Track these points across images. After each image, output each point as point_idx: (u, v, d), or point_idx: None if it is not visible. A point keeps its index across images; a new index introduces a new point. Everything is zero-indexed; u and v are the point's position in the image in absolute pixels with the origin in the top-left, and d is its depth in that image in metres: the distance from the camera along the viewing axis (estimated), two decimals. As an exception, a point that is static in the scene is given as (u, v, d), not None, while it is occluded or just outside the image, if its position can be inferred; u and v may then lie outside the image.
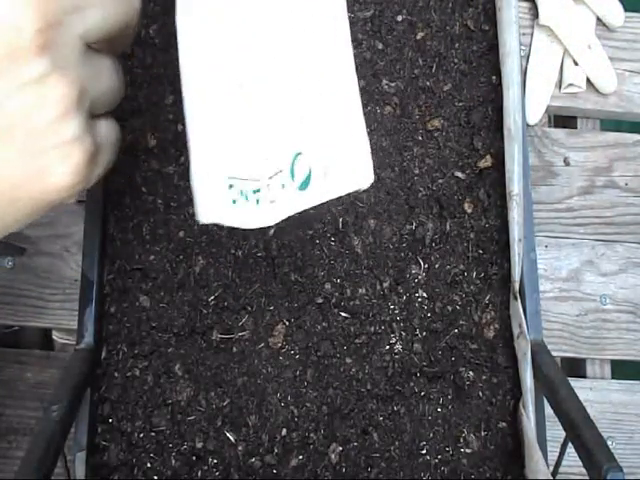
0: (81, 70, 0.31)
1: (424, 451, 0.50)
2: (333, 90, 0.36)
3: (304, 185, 0.36)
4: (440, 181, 0.54)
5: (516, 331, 0.51)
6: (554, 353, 0.60)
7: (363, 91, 0.55)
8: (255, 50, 0.37)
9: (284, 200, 0.36)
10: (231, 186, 0.36)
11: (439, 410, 0.51)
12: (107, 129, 0.36)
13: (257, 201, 0.36)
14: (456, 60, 0.57)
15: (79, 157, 0.31)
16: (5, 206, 0.31)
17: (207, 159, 0.36)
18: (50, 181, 0.31)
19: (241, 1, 0.36)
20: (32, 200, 0.32)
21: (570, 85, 0.67)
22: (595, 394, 0.62)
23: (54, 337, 0.59)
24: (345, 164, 0.36)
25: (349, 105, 0.37)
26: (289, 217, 0.35)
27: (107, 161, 0.36)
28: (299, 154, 0.36)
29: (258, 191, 0.36)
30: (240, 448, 0.48)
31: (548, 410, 0.47)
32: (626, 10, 0.68)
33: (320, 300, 0.51)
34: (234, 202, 0.36)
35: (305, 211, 0.53)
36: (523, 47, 0.66)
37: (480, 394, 0.51)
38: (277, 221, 0.37)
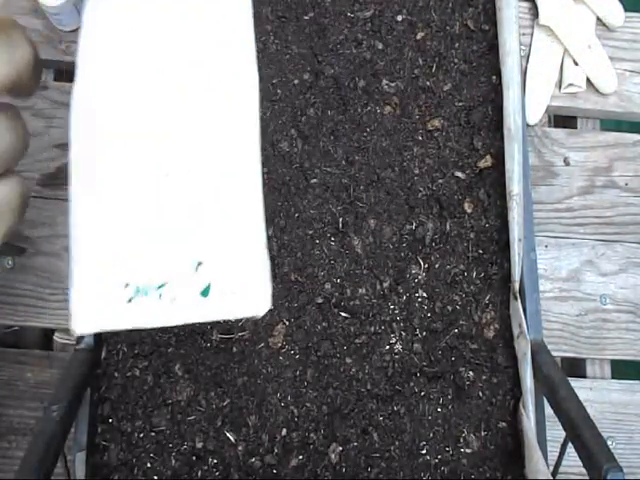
0: None
1: (424, 451, 0.50)
2: (237, 204, 0.35)
3: (205, 293, 0.34)
4: (440, 181, 0.54)
5: (516, 331, 0.51)
6: (554, 353, 0.60)
7: (363, 91, 0.55)
8: (158, 144, 0.35)
9: (185, 303, 0.34)
10: (127, 285, 0.34)
11: (439, 410, 0.51)
12: (4, 190, 0.34)
13: (160, 295, 0.34)
14: (456, 60, 0.57)
15: None
16: None
17: (96, 256, 0.34)
18: None
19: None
20: None
21: (570, 85, 0.67)
22: (595, 394, 0.62)
23: (55, 338, 0.59)
24: (243, 286, 0.35)
25: (251, 225, 0.36)
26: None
27: (8, 225, 0.34)
28: (200, 263, 0.34)
29: (162, 286, 0.34)
30: (240, 448, 0.48)
31: (548, 410, 0.47)
32: (626, 10, 0.68)
33: (320, 300, 0.51)
34: (129, 300, 0.34)
35: (306, 210, 0.53)
36: (523, 47, 0.66)
37: (480, 394, 0.51)
38: (175, 324, 0.35)
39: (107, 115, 0.34)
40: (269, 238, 0.52)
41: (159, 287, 0.34)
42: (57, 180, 0.59)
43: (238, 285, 0.35)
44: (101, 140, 0.34)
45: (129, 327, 0.34)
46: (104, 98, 0.34)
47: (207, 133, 0.35)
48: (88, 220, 0.34)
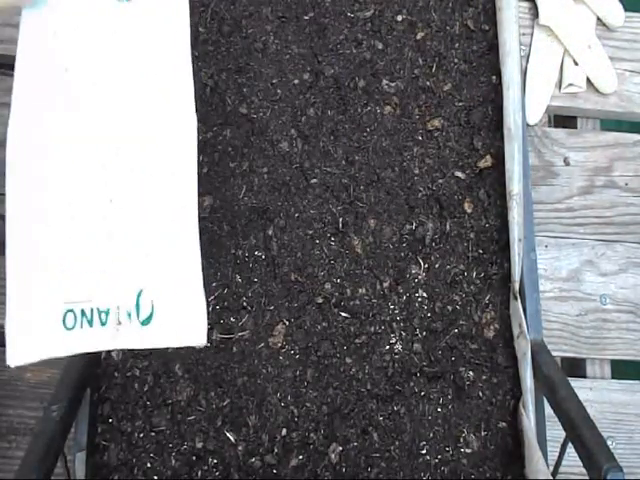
0: None
1: (424, 451, 0.50)
2: (176, 232, 0.36)
3: (147, 321, 0.35)
4: (440, 181, 0.54)
5: (516, 331, 0.51)
6: (554, 353, 0.60)
7: (363, 91, 0.55)
8: (101, 166, 0.35)
9: (127, 331, 0.35)
10: (70, 310, 0.34)
11: (439, 410, 0.51)
12: None
13: (102, 323, 0.35)
14: (456, 60, 0.57)
15: None
16: None
17: (37, 284, 0.34)
18: None
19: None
20: None
21: (570, 85, 0.67)
22: (595, 394, 0.61)
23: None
24: (181, 317, 0.36)
25: (188, 257, 0.36)
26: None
27: None
28: (142, 290, 0.35)
29: (107, 313, 0.35)
30: (240, 448, 0.48)
31: (548, 410, 0.47)
32: (626, 10, 0.68)
33: (320, 300, 0.51)
34: (71, 328, 0.34)
35: (306, 210, 0.53)
36: (523, 47, 0.66)
37: (480, 394, 0.51)
38: (118, 348, 0.36)
39: (44, 146, 0.35)
40: (269, 238, 0.52)
41: (101, 313, 0.35)
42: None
43: (176, 316, 0.35)
44: (41, 166, 0.35)
45: (68, 354, 0.34)
46: (39, 131, 0.35)
47: (145, 153, 0.36)
48: (25, 243, 0.34)
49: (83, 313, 0.35)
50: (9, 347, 0.34)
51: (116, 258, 0.35)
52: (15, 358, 0.34)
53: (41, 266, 0.34)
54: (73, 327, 0.34)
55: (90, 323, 0.35)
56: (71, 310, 0.34)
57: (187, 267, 0.36)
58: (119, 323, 0.35)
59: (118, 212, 0.35)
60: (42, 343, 0.34)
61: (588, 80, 0.67)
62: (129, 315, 0.35)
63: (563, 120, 0.72)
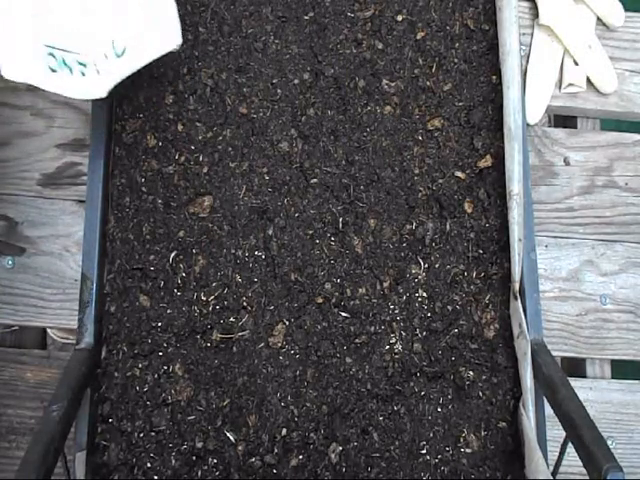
0: None
1: (424, 451, 0.50)
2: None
3: (122, 53, 0.39)
4: (440, 181, 0.54)
5: (516, 331, 0.51)
6: (554, 353, 0.60)
7: (363, 91, 0.55)
8: None
9: (108, 69, 0.39)
10: (51, 54, 0.38)
11: (439, 410, 0.51)
12: None
13: (82, 73, 0.38)
14: (456, 60, 0.57)
15: None
16: None
17: (20, 19, 0.37)
18: None
19: None
20: None
21: (570, 85, 0.67)
22: (595, 394, 0.61)
23: (51, 334, 0.59)
24: (155, 31, 0.40)
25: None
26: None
27: None
28: (115, 40, 0.39)
29: (84, 65, 0.38)
30: (240, 448, 0.48)
31: (548, 410, 0.47)
32: (626, 10, 0.68)
33: (320, 300, 0.51)
34: (53, 70, 0.38)
35: (306, 210, 0.53)
36: (523, 47, 0.66)
37: (480, 394, 0.51)
38: (106, 92, 0.39)
39: None
40: (269, 238, 0.52)
41: (80, 64, 0.39)
42: (57, 180, 0.59)
43: (150, 33, 0.40)
44: None
45: (51, 90, 0.38)
46: None
47: None
48: None
49: (64, 62, 0.38)
50: (2, 63, 0.38)
51: (88, 12, 0.38)
52: (9, 73, 0.38)
53: (21, 10, 0.38)
54: (55, 71, 0.38)
55: (71, 71, 0.38)
56: (52, 54, 0.38)
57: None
58: (98, 73, 0.39)
59: None
60: (32, 73, 0.38)
61: (588, 80, 0.67)
62: (105, 56, 0.39)
63: (563, 120, 0.72)
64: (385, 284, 0.52)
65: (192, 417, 0.49)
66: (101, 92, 0.39)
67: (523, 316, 0.50)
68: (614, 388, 0.62)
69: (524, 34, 0.67)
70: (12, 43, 0.37)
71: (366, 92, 0.55)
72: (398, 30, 0.57)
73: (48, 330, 0.60)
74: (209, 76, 0.54)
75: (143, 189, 0.52)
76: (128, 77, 0.41)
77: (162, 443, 0.48)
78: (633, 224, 0.65)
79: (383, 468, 0.49)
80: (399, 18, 0.57)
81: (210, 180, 0.53)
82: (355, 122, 0.55)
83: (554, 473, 0.46)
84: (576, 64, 0.67)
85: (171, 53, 0.41)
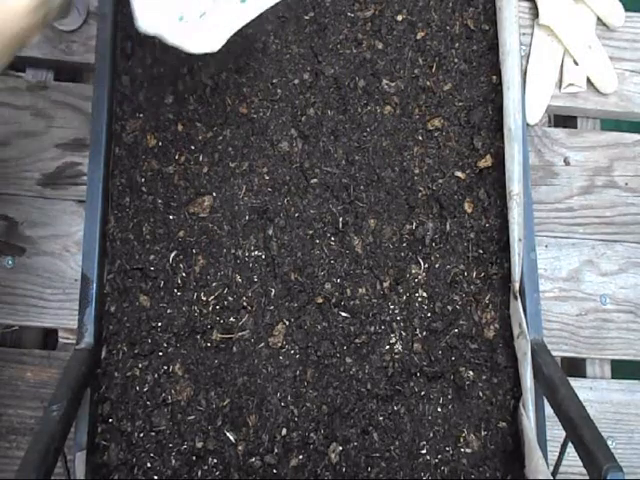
0: None
1: (424, 451, 0.50)
2: None
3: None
4: (440, 181, 0.54)
5: (516, 331, 0.51)
6: (554, 353, 0.60)
7: (363, 91, 0.55)
8: None
9: (227, 19, 0.40)
10: (179, 3, 0.39)
11: (439, 410, 0.51)
12: None
13: (203, 20, 0.40)
14: (456, 60, 0.57)
15: None
16: None
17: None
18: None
19: None
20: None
21: (570, 85, 0.67)
22: (595, 394, 0.61)
23: (60, 338, 0.59)
24: None
25: None
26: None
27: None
28: None
29: (203, 14, 0.40)
30: (240, 448, 0.48)
31: (548, 410, 0.47)
32: (626, 10, 0.68)
33: (320, 300, 0.51)
34: (181, 19, 0.39)
35: (306, 210, 0.53)
36: (523, 47, 0.66)
37: (480, 394, 0.51)
38: (222, 44, 0.41)
39: None
40: (269, 238, 0.52)
41: (201, 16, 0.41)
42: (58, 180, 0.59)
43: None
44: None
45: (178, 45, 0.40)
46: None
47: None
48: None
49: (188, 10, 0.40)
50: (138, 14, 0.39)
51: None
52: (143, 25, 0.39)
53: None
54: (182, 19, 0.40)
55: (196, 19, 0.41)
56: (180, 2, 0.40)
57: None
58: (218, 19, 0.41)
59: None
60: (162, 23, 0.39)
61: (588, 80, 0.67)
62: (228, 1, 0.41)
63: (563, 120, 0.72)
64: (385, 284, 0.52)
65: (192, 417, 0.49)
66: (216, 45, 0.41)
67: (523, 316, 0.50)
68: (614, 388, 0.62)
69: (524, 34, 0.67)
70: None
71: (366, 92, 0.55)
72: (398, 30, 0.57)
73: (59, 332, 0.60)
74: (209, 76, 0.54)
75: (143, 189, 0.52)
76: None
77: (162, 443, 0.48)
78: (633, 224, 0.65)
79: (383, 468, 0.49)
80: (399, 18, 0.57)
81: (210, 180, 0.53)
82: (355, 122, 0.55)
83: (554, 473, 0.46)
84: (576, 64, 0.67)
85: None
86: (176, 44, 0.40)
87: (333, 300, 0.51)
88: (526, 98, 0.64)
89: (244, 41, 0.55)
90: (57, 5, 0.40)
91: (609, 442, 0.60)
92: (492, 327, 0.52)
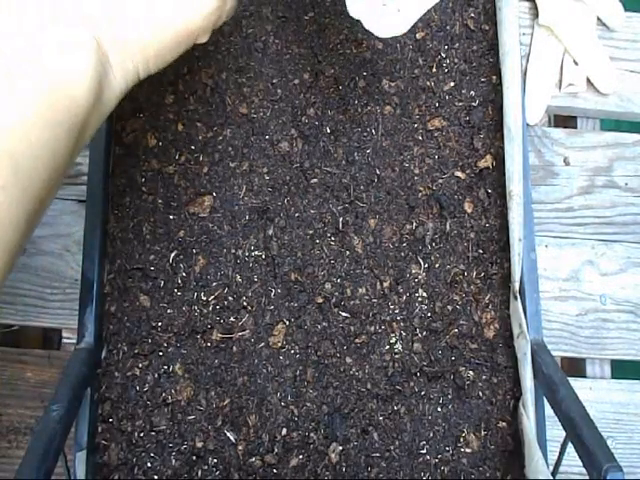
0: None
1: (424, 451, 0.50)
2: None
3: None
4: (440, 181, 0.54)
5: (516, 331, 0.51)
6: (554, 353, 0.60)
7: (363, 91, 0.55)
8: None
9: (409, 5, 0.42)
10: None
11: (439, 410, 0.51)
12: None
13: (398, 10, 0.42)
14: (456, 60, 0.57)
15: None
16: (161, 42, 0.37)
17: None
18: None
19: None
20: (178, 31, 0.37)
21: (570, 85, 0.67)
22: (595, 394, 0.61)
23: (65, 339, 0.59)
24: None
25: None
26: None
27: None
28: None
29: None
30: (240, 448, 0.48)
31: (548, 410, 0.47)
32: (626, 10, 0.68)
33: (320, 300, 0.51)
34: (384, 4, 0.42)
35: (306, 210, 0.53)
36: (523, 47, 0.66)
37: (480, 394, 0.51)
38: (408, 27, 0.43)
39: None
40: (269, 238, 0.52)
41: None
42: (57, 180, 0.59)
43: None
44: None
45: (373, 31, 0.43)
46: None
47: None
48: None
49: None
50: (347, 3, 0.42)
51: None
52: (352, 10, 0.42)
53: None
54: (385, 5, 0.43)
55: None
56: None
57: None
58: (399, 6, 0.43)
59: None
60: (363, 6, 0.43)
61: (588, 80, 0.67)
62: None
63: (563, 120, 0.72)
64: (385, 284, 0.52)
65: (192, 417, 0.49)
66: (402, 29, 0.43)
67: (523, 316, 0.50)
68: (614, 388, 0.62)
69: (524, 34, 0.67)
70: None
71: (366, 92, 0.55)
72: (398, 30, 0.57)
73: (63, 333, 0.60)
74: (209, 76, 0.54)
75: (143, 189, 0.52)
76: None
77: (162, 443, 0.48)
78: (633, 224, 0.65)
79: (383, 468, 0.49)
80: (399, 18, 0.57)
81: (210, 180, 0.53)
82: (355, 122, 0.55)
83: (554, 473, 0.46)
84: (576, 64, 0.67)
85: None
86: (370, 29, 0.42)
87: (333, 300, 0.51)
88: (526, 98, 0.64)
89: (244, 41, 0.55)
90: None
91: (609, 442, 0.60)
92: (492, 327, 0.52)
